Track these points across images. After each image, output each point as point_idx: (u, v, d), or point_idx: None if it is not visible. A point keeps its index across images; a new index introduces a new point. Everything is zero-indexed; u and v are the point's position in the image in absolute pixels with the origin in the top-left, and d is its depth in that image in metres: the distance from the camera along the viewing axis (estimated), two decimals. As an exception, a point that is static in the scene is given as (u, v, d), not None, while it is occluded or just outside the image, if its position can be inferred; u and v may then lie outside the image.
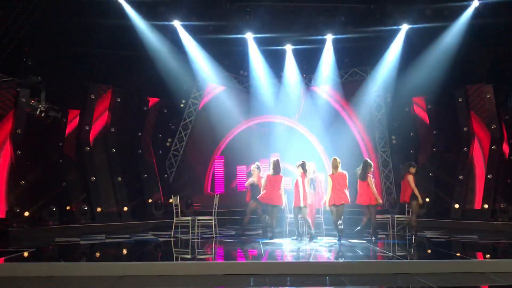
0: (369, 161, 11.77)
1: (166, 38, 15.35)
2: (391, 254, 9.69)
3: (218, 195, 12.56)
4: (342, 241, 11.09)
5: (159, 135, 17.34)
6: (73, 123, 15.26)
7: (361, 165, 11.69)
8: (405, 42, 15.73)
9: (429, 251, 10.47)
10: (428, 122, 16.46)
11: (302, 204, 11.19)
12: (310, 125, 17.84)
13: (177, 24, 15.20)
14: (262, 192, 11.62)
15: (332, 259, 9.12)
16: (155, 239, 12.19)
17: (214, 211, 12.26)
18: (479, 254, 10.09)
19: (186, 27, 15.43)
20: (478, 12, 14.06)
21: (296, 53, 17.18)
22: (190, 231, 12.00)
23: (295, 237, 11.48)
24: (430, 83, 15.27)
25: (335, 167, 11.30)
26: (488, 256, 9.98)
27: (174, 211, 12.07)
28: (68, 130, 15.11)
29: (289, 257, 9.38)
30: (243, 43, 16.43)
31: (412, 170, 11.55)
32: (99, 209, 14.40)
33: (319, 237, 11.69)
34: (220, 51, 16.74)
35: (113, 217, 14.59)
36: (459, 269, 7.90)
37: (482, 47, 14.79)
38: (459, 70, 14.99)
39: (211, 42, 15.98)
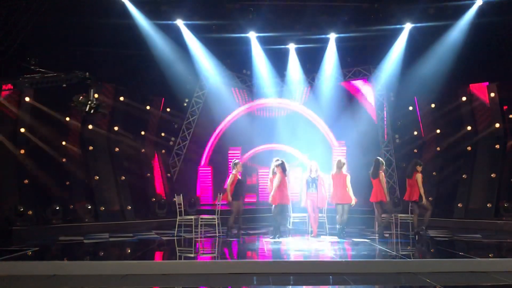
0: (380, 159, 11.82)
1: (169, 37, 15.35)
2: (394, 253, 9.68)
3: (220, 194, 12.57)
4: (344, 240, 11.10)
5: (162, 134, 17.36)
6: (76, 121, 15.28)
7: (373, 163, 11.73)
8: (409, 41, 15.70)
9: (432, 250, 10.46)
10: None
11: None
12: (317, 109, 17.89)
13: (180, 23, 15.20)
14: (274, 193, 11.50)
15: (335, 258, 9.11)
16: (158, 238, 12.21)
17: (217, 210, 12.27)
18: (483, 253, 10.07)
19: (189, 26, 15.43)
20: (481, 11, 14.02)
21: (299, 52, 17.15)
22: (193, 230, 12.01)
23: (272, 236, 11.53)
24: (434, 82, 15.24)
25: (339, 167, 11.48)
26: (491, 255, 9.96)
27: (177, 210, 12.08)
28: (71, 128, 15.14)
29: (292, 256, 9.38)
30: (246, 42, 16.42)
31: (419, 168, 11.60)
32: (102, 208, 14.42)
33: (322, 236, 11.68)
34: (223, 50, 16.74)
35: (116, 216, 14.60)
36: (462, 268, 7.88)
37: (485, 46, 14.75)
38: (463, 68, 14.95)
39: (214, 41, 15.98)
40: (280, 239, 11.25)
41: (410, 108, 17.01)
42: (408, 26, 15.34)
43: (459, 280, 7.41)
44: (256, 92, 18.35)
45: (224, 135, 18.18)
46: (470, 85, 15.32)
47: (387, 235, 11.70)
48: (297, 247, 10.28)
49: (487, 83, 15.04)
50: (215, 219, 12.18)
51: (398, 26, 15.38)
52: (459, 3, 14.11)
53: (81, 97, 8.77)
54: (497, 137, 14.82)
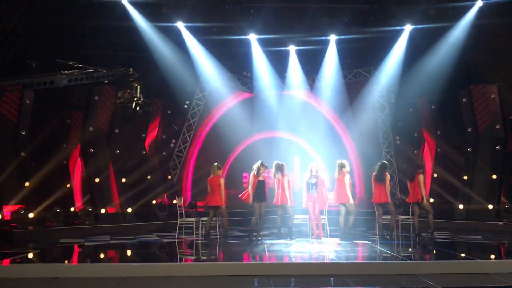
0: (386, 162, 11.82)
1: (169, 39, 15.35)
2: (395, 254, 9.68)
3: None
4: (346, 242, 11.10)
5: (163, 136, 17.36)
6: (77, 124, 15.31)
7: (378, 166, 11.73)
8: (409, 43, 15.71)
9: (434, 251, 10.46)
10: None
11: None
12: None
13: (180, 25, 15.21)
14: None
15: (336, 260, 9.10)
16: (159, 240, 12.21)
17: (219, 212, 12.27)
18: (484, 255, 10.07)
19: (189, 28, 15.44)
20: (481, 12, 14.02)
21: (300, 54, 17.17)
22: (194, 232, 12.01)
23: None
24: (434, 83, 15.24)
25: (339, 168, 11.57)
26: (492, 256, 9.95)
27: (178, 212, 12.08)
28: (72, 131, 15.16)
29: (293, 258, 9.38)
30: (246, 44, 16.44)
31: (421, 170, 11.62)
32: (103, 210, 14.42)
33: (323, 238, 11.68)
34: (224, 52, 16.75)
35: (117, 218, 14.61)
36: (463, 269, 7.89)
37: (486, 47, 14.75)
38: (463, 70, 14.96)
39: (215, 43, 15.99)
40: (279, 240, 11.34)
41: (411, 109, 17.00)
42: (408, 28, 15.35)
43: (460, 281, 7.40)
44: (256, 94, 18.38)
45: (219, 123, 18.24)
46: (471, 86, 15.31)
47: (387, 236, 11.69)
48: (298, 249, 10.27)
49: (488, 84, 15.03)
50: (216, 221, 12.17)
51: (398, 28, 15.40)
52: (459, 4, 14.12)
53: (126, 93, 8.40)
54: (497, 138, 14.81)
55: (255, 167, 11.69)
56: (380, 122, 17.38)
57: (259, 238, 11.56)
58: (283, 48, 16.97)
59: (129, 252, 10.72)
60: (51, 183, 14.10)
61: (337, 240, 11.41)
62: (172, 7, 14.56)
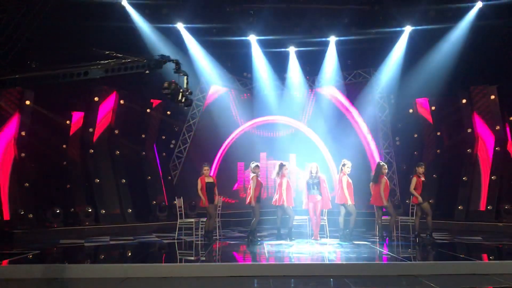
0: (381, 163, 11.81)
1: (169, 40, 15.36)
2: (395, 255, 9.68)
3: (221, 197, 12.57)
4: (345, 243, 11.11)
5: (162, 137, 17.36)
6: (77, 125, 15.31)
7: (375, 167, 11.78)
8: (409, 44, 15.73)
9: (433, 252, 10.47)
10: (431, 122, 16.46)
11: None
12: (317, 127, 17.87)
13: (180, 26, 15.22)
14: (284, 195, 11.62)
15: (336, 261, 9.10)
16: (159, 241, 12.21)
17: (218, 213, 12.27)
18: (484, 256, 10.07)
19: (189, 29, 15.46)
20: (481, 13, 14.04)
21: (300, 55, 17.19)
22: (194, 233, 12.01)
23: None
24: (434, 84, 15.25)
25: (340, 169, 11.59)
26: (492, 257, 9.96)
27: (178, 213, 12.09)
28: (72, 132, 15.16)
29: (293, 259, 9.38)
30: (246, 45, 16.46)
31: (420, 169, 11.67)
32: (103, 211, 14.42)
33: (323, 239, 11.68)
34: (224, 53, 16.77)
35: (117, 219, 14.61)
36: (463, 270, 7.89)
37: (485, 48, 14.76)
38: (463, 71, 14.96)
39: (215, 44, 16.00)
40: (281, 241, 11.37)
41: (411, 110, 17.01)
42: (408, 29, 15.37)
43: (460, 282, 7.41)
44: (256, 95, 18.39)
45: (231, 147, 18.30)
46: (470, 87, 15.32)
47: (386, 237, 11.70)
48: (298, 250, 10.27)
49: (487, 85, 15.03)
50: (216, 222, 12.18)
51: (398, 29, 15.42)
52: (459, 6, 14.14)
53: (173, 84, 8.12)
54: (497, 139, 14.81)
55: (254, 170, 11.70)
56: (380, 123, 17.39)
57: (259, 239, 11.56)
58: (283, 49, 16.99)
59: (129, 253, 10.72)
60: (51, 184, 14.09)
61: (337, 241, 11.41)
62: (172, 8, 14.57)
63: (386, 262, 9.03)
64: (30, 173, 13.62)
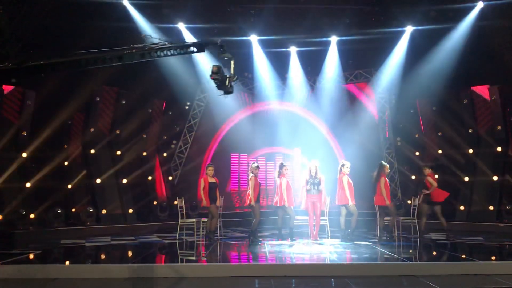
0: (383, 163, 11.85)
1: (170, 40, 15.31)
2: (396, 256, 9.67)
3: (222, 197, 12.56)
4: (346, 243, 11.10)
5: (163, 137, 17.36)
6: (78, 125, 15.32)
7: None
8: (410, 44, 15.72)
9: (434, 253, 10.46)
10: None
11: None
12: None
13: (181, 26, 15.21)
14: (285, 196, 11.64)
15: (337, 261, 9.10)
16: (160, 241, 12.21)
17: (219, 213, 12.27)
18: (485, 256, 10.06)
19: (190, 29, 15.44)
20: (483, 13, 14.02)
21: (301, 55, 17.18)
22: (195, 233, 12.01)
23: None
24: (435, 84, 15.23)
25: (340, 169, 11.58)
26: (493, 258, 9.95)
27: (179, 213, 12.09)
28: (73, 132, 15.17)
29: (294, 259, 9.37)
30: (247, 45, 16.44)
31: (428, 171, 11.76)
32: (104, 211, 14.43)
33: (323, 239, 11.66)
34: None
35: (118, 219, 14.61)
36: (464, 271, 7.89)
37: (487, 48, 14.74)
38: (464, 71, 14.94)
39: (216, 44, 15.94)
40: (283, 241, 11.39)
41: (412, 110, 16.99)
42: (409, 29, 15.36)
43: (461, 283, 7.41)
44: (257, 95, 18.41)
45: (226, 138, 18.25)
46: (472, 87, 15.30)
47: (384, 237, 11.70)
48: (299, 250, 10.27)
49: (489, 86, 15.02)
50: (217, 222, 12.17)
51: (399, 29, 15.41)
52: (460, 6, 14.11)
53: (221, 69, 7.83)
54: (499, 139, 14.80)
55: (253, 170, 11.71)
56: (381, 123, 17.38)
57: (260, 239, 11.56)
58: (284, 49, 16.98)
59: (130, 253, 10.72)
60: (52, 184, 14.10)
61: (338, 241, 11.40)
62: (173, 8, 14.56)
63: (387, 262, 9.02)
64: (31, 173, 13.62)
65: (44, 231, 12.87)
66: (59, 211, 13.36)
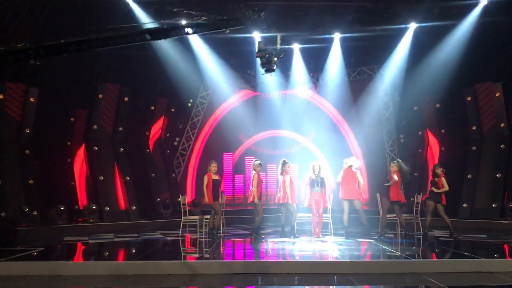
0: (395, 161, 11.93)
1: (173, 38, 15.29)
2: (399, 253, 9.66)
3: (224, 194, 12.56)
4: (349, 240, 11.09)
5: (167, 134, 17.38)
6: (81, 122, 15.35)
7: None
8: (413, 41, 15.69)
9: (437, 250, 10.44)
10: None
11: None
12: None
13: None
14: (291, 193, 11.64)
15: (340, 258, 9.09)
16: (163, 238, 12.22)
17: (222, 210, 12.27)
18: (488, 254, 10.04)
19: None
20: (486, 10, 13.97)
21: (304, 52, 17.15)
22: (198, 230, 12.01)
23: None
24: (439, 81, 15.20)
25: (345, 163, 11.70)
26: (497, 255, 9.92)
27: (182, 210, 12.09)
28: (76, 129, 15.19)
29: (297, 256, 9.37)
30: (250, 43, 16.40)
31: (439, 171, 11.77)
32: (107, 208, 14.45)
33: (326, 237, 11.66)
34: (228, 50, 16.72)
35: (121, 216, 14.63)
36: (467, 268, 7.85)
37: (491, 45, 14.70)
38: (468, 68, 14.90)
39: (218, 42, 15.97)
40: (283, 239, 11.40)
41: (415, 108, 16.96)
42: (412, 26, 15.33)
43: (464, 280, 7.39)
44: (260, 92, 18.42)
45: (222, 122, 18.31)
46: (475, 84, 15.25)
47: (391, 235, 11.71)
48: (302, 247, 10.26)
49: (493, 82, 14.97)
50: (220, 219, 12.17)
51: (402, 26, 15.37)
52: (464, 3, 14.07)
53: (268, 46, 7.61)
54: (502, 137, 14.76)
55: (256, 168, 11.70)
56: (384, 120, 17.36)
57: (263, 236, 11.57)
58: (287, 46, 16.93)
59: (133, 250, 10.73)
60: (55, 181, 14.12)
61: (341, 238, 11.39)
62: (176, 6, 14.49)
63: (390, 259, 9.01)
64: (34, 170, 13.64)
65: (47, 228, 12.90)
66: (62, 208, 13.38)
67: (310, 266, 8.09)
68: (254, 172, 11.66)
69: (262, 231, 12.12)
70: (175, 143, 17.69)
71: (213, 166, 11.73)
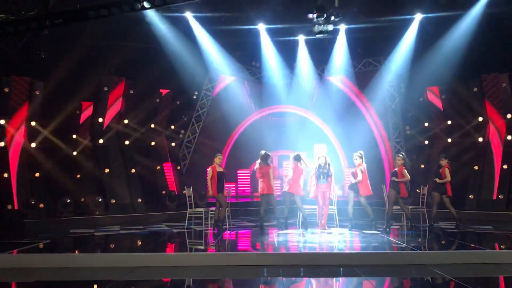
0: (398, 155, 11.96)
1: (178, 29, 15.29)
2: (405, 245, 9.64)
3: (229, 188, 12.58)
4: (354, 231, 11.11)
5: (171, 127, 17.38)
6: (86, 115, 15.37)
7: None
8: (419, 32, 15.57)
9: (443, 241, 10.43)
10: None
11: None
12: (324, 114, 17.80)
13: (189, 15, 15.15)
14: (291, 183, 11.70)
15: (345, 250, 9.08)
16: (169, 230, 12.25)
17: (228, 203, 12.28)
18: (494, 245, 10.02)
19: (198, 19, 15.38)
20: (492, 1, 13.84)
21: (309, 43, 17.08)
22: (203, 222, 12.04)
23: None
24: (445, 72, 15.10)
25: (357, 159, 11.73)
26: (503, 246, 9.90)
27: (188, 202, 12.11)
28: (81, 122, 15.22)
29: (302, 248, 9.37)
30: (255, 34, 16.36)
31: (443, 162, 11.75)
32: (113, 201, 14.49)
33: (332, 228, 11.66)
34: (232, 42, 16.66)
35: (127, 209, 14.66)
36: (474, 259, 7.84)
37: (497, 36, 14.58)
38: (474, 59, 14.79)
39: (223, 33, 15.91)
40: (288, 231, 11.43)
41: (421, 99, 16.88)
42: (418, 17, 15.21)
43: (470, 271, 7.38)
44: (265, 84, 18.36)
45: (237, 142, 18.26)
46: (482, 75, 15.17)
47: (397, 226, 11.70)
48: (307, 239, 10.27)
49: (499, 73, 14.88)
50: (226, 211, 12.19)
51: (408, 17, 15.25)
52: (470, -7, 13.96)
53: (325, 6, 7.36)
54: (509, 127, 14.68)
55: (263, 159, 11.75)
56: (390, 111, 17.28)
57: (268, 226, 11.66)
58: (292, 38, 16.88)
59: (139, 242, 10.77)
60: (61, 173, 14.16)
61: (346, 230, 11.40)
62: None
63: (396, 251, 8.99)
64: (40, 163, 13.69)
65: (53, 221, 12.95)
66: (68, 200, 13.43)
67: (315, 258, 8.09)
68: (259, 164, 11.73)
69: (267, 223, 12.16)
70: (180, 135, 17.68)
71: (219, 158, 11.76)
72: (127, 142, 15.41)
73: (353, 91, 17.71)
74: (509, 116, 14.64)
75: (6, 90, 13.20)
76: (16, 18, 6.79)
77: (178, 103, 17.58)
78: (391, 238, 10.39)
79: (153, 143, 16.38)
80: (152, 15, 14.42)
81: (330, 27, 7.07)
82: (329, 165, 11.58)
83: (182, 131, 17.73)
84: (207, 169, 11.80)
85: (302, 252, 8.93)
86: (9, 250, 8.70)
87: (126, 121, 15.48)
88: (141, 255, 8.37)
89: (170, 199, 15.63)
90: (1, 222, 12.30)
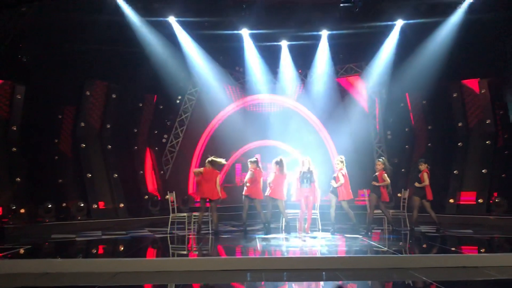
0: (378, 159, 12.09)
1: (161, 34, 15.29)
2: (386, 248, 9.73)
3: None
4: (336, 236, 11.18)
5: (155, 132, 17.34)
6: (68, 119, 15.26)
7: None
8: (400, 38, 15.73)
9: (424, 245, 10.53)
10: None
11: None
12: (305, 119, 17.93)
13: (172, 20, 15.14)
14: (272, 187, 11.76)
15: (327, 254, 9.14)
16: (151, 236, 12.21)
17: (210, 207, 12.27)
18: (474, 249, 10.15)
19: (181, 23, 15.37)
20: (472, 7, 14.05)
21: (292, 49, 17.17)
22: (186, 227, 12.02)
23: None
24: (425, 78, 15.27)
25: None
26: (483, 250, 10.03)
27: (170, 207, 12.09)
28: (63, 126, 15.11)
29: (285, 252, 9.41)
30: (238, 39, 16.40)
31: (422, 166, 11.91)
32: (95, 206, 14.40)
33: (314, 233, 11.72)
34: (216, 47, 16.71)
35: (109, 214, 14.58)
36: (454, 263, 7.93)
37: (476, 42, 14.81)
38: (454, 65, 15.00)
39: (207, 38, 15.94)
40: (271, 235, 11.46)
41: (402, 104, 17.05)
42: (399, 23, 15.37)
43: (450, 275, 7.46)
44: (248, 89, 18.41)
45: (217, 132, 18.17)
46: (462, 81, 15.38)
47: (378, 230, 11.79)
48: (289, 244, 10.31)
49: (478, 79, 15.11)
50: (208, 216, 12.20)
51: (389, 23, 15.40)
52: (450, 0, 14.14)
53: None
54: (488, 133, 14.90)
55: (255, 163, 11.87)
56: (371, 116, 17.43)
57: (251, 231, 11.69)
58: (275, 43, 16.96)
59: (121, 247, 10.72)
60: (43, 178, 14.05)
61: (329, 234, 11.47)
62: (163, 2, 14.48)
63: (377, 255, 9.07)
64: (21, 167, 13.56)
65: (34, 226, 12.83)
66: (50, 205, 13.32)
67: (298, 262, 8.13)
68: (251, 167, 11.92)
69: (250, 228, 12.19)
70: (163, 140, 17.64)
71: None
72: (109, 147, 15.34)
73: (335, 95, 17.83)
74: (488, 121, 14.86)
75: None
76: None
77: (161, 107, 17.55)
78: (372, 242, 10.47)
79: (135, 148, 16.31)
80: (135, 19, 14.39)
81: None
82: (311, 172, 11.61)
83: (165, 136, 17.70)
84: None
85: (285, 256, 8.97)
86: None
87: (108, 126, 15.40)
88: (124, 260, 8.32)
89: (152, 204, 15.57)
90: (-19, 228, 12.17)
